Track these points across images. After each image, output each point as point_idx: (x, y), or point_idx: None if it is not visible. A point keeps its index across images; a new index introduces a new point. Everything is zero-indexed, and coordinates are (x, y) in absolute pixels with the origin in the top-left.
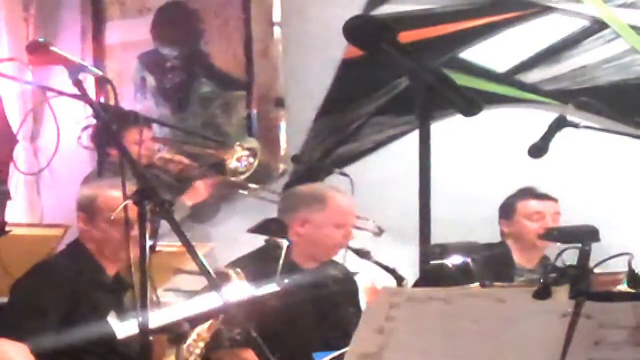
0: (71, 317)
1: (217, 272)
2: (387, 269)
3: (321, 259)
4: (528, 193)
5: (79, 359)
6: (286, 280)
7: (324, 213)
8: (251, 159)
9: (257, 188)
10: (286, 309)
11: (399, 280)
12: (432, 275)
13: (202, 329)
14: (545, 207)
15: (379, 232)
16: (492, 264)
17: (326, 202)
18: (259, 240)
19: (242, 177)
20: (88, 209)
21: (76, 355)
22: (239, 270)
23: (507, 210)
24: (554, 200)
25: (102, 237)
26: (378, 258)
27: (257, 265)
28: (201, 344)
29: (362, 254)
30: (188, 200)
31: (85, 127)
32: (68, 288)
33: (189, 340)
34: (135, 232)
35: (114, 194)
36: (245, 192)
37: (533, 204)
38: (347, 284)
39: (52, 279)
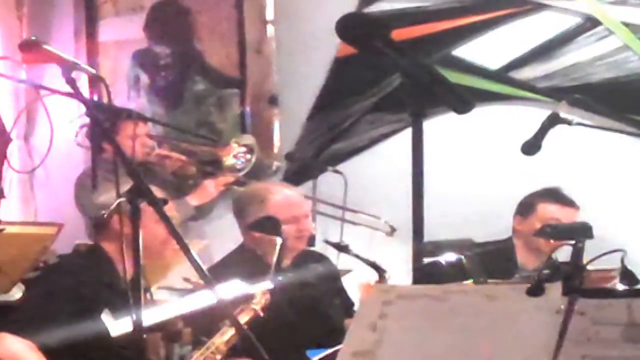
0: (87, 319)
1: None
2: (367, 262)
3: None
4: (552, 195)
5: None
6: (280, 278)
7: (265, 212)
8: (248, 155)
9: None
10: (273, 308)
11: (381, 272)
12: (425, 273)
13: (221, 340)
14: (564, 215)
15: (391, 230)
16: (493, 261)
17: (265, 201)
18: None
19: (241, 174)
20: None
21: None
22: None
23: (525, 207)
24: (576, 207)
25: None
26: (372, 256)
27: (238, 266)
28: (218, 357)
29: (341, 247)
30: (194, 200)
31: (82, 126)
32: (84, 292)
33: (206, 352)
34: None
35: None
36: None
37: (553, 209)
38: (331, 277)
39: (69, 282)
